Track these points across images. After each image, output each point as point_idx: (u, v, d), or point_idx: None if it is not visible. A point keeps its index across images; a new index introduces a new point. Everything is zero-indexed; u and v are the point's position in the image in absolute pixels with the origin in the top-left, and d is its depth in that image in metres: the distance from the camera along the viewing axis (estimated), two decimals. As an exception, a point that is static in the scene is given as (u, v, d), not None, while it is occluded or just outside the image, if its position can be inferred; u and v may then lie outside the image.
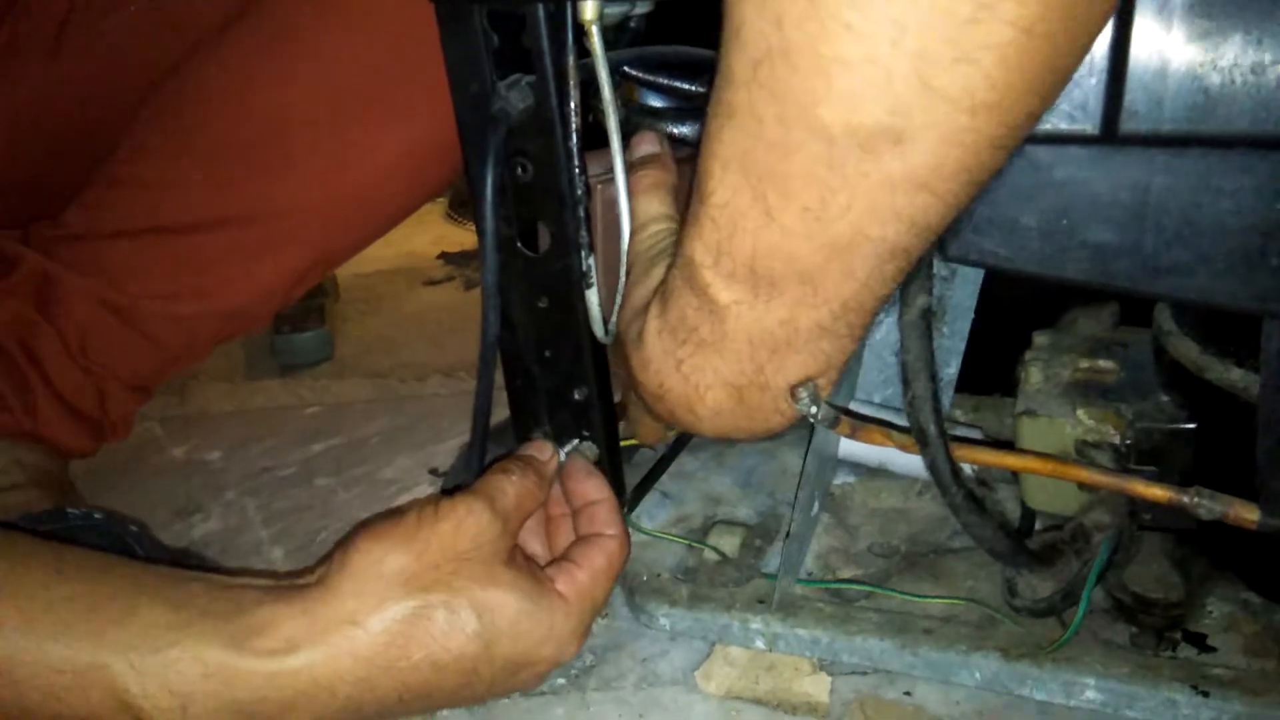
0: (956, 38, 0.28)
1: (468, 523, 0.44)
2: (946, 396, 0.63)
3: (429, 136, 0.62)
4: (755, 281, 0.37)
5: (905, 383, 0.42)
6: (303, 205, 0.65)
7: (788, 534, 0.51)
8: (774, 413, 0.41)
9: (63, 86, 0.64)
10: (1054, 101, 0.33)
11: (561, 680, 0.53)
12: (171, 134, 0.63)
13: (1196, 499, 0.41)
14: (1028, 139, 0.35)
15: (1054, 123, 0.35)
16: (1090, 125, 0.35)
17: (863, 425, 0.42)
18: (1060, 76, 0.32)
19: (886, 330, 0.61)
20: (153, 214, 0.64)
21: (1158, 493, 0.41)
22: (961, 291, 0.59)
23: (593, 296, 0.50)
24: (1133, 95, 0.35)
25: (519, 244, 0.51)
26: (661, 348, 0.42)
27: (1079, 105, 0.35)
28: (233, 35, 0.63)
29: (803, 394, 0.39)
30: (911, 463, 0.51)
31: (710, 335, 0.40)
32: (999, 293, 0.61)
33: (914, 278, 0.41)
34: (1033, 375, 0.52)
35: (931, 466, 0.43)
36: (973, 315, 0.59)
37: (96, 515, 0.56)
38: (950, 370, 0.61)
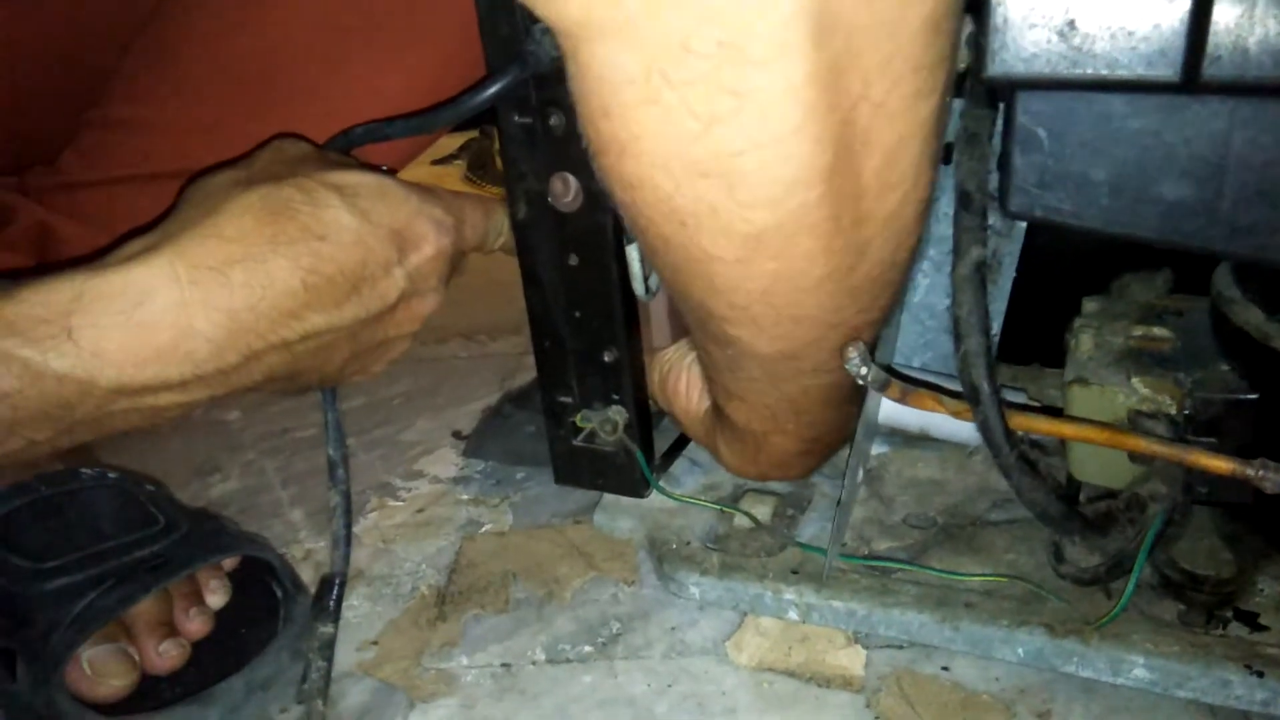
0: None
1: (282, 144, 0.45)
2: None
3: (435, 71, 0.60)
4: (758, 412, 0.47)
5: (957, 338, 0.39)
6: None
7: (839, 502, 0.49)
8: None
9: (49, 20, 0.62)
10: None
11: (588, 648, 0.51)
12: (165, 73, 0.61)
13: (1262, 471, 0.39)
14: (1103, 86, 0.33)
15: (1132, 69, 0.33)
16: (1170, 71, 0.33)
17: (912, 389, 0.40)
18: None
19: (924, 293, 0.59)
20: (150, 159, 0.62)
21: (1221, 465, 0.39)
22: (1006, 249, 0.57)
23: (634, 253, 0.48)
24: (1217, 39, 0.32)
25: (548, 200, 0.49)
26: (739, 459, 0.53)
27: (1158, 50, 0.33)
28: None
29: (853, 354, 0.37)
30: (956, 427, 0.49)
31: (759, 441, 0.50)
32: (1038, 257, 0.59)
33: (967, 229, 0.39)
34: (1083, 342, 0.49)
35: (983, 426, 0.41)
36: (1014, 273, 0.57)
37: (111, 475, 0.54)
38: (992, 331, 0.59)
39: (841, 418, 0.49)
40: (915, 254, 0.39)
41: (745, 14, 0.28)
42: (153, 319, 0.38)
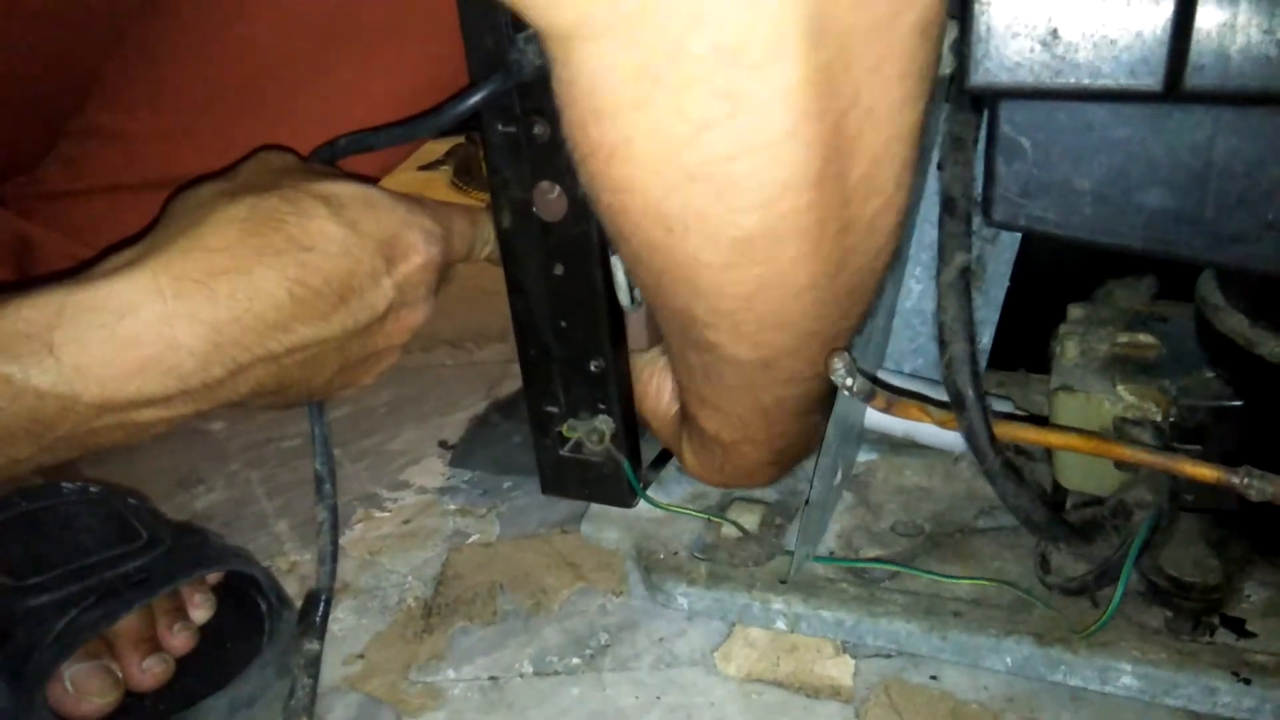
0: None
1: (267, 155, 0.45)
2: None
3: (419, 77, 0.60)
4: (729, 421, 0.47)
5: (942, 344, 0.40)
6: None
7: (806, 501, 0.49)
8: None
9: (27, 29, 0.61)
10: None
11: (576, 660, 0.51)
12: (147, 81, 0.60)
13: (1247, 479, 0.39)
14: (1085, 96, 0.33)
15: (1114, 78, 0.33)
16: (1153, 81, 0.33)
17: (898, 399, 0.40)
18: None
19: (917, 298, 0.58)
20: (131, 168, 0.61)
21: (1206, 473, 0.40)
22: (997, 258, 0.57)
23: (619, 262, 0.48)
24: (1199, 49, 0.33)
25: (533, 209, 0.49)
26: (704, 466, 0.53)
27: (1140, 60, 0.33)
28: None
29: (838, 365, 0.37)
30: (942, 434, 0.49)
31: (727, 450, 0.50)
32: (1025, 264, 0.59)
33: (952, 235, 0.39)
34: (1069, 349, 0.50)
35: (968, 432, 0.41)
36: (1008, 283, 0.57)
37: (93, 489, 0.54)
38: (984, 341, 0.59)
39: (810, 428, 0.49)
40: (892, 263, 0.39)
41: (741, 17, 0.28)
42: (135, 333, 0.37)
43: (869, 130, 0.32)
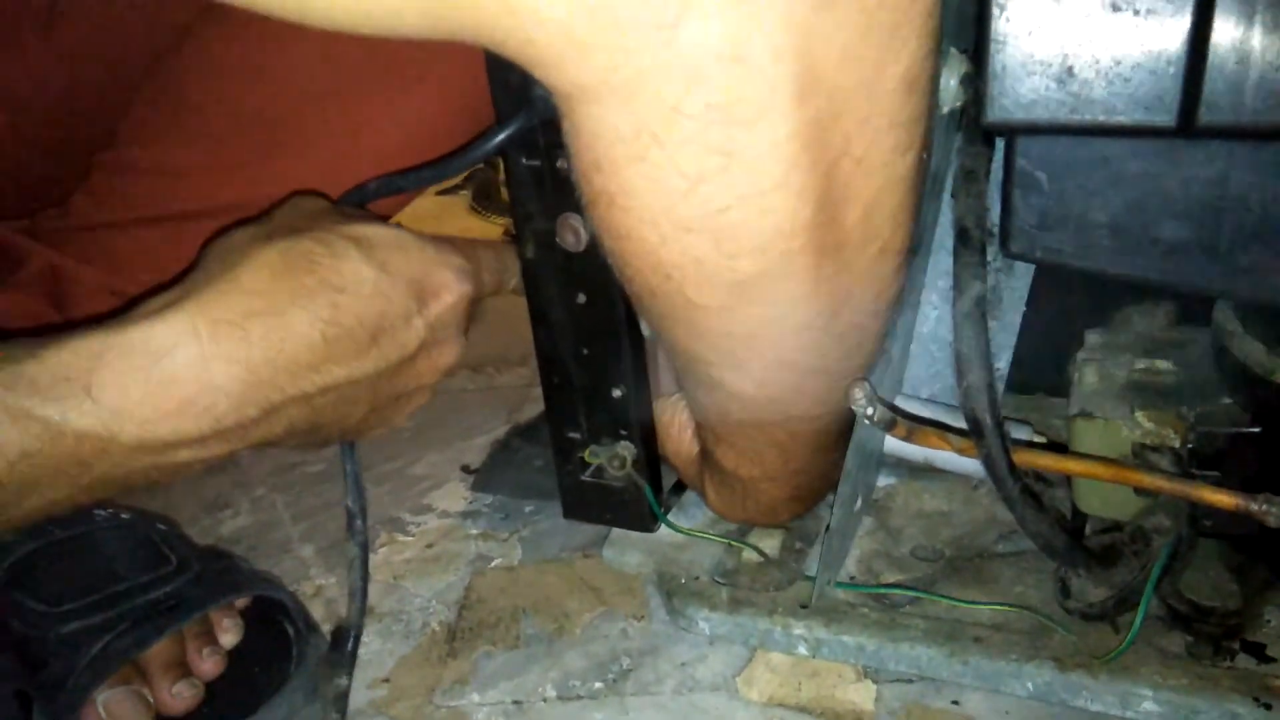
0: None
1: (299, 199, 0.46)
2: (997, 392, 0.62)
3: (447, 105, 0.61)
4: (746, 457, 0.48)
5: (959, 373, 0.40)
6: (315, 185, 0.63)
7: (827, 528, 0.49)
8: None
9: (59, 66, 0.62)
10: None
11: (599, 684, 0.52)
12: (176, 113, 0.62)
13: (1266, 506, 0.39)
14: (1101, 132, 0.34)
15: (1129, 114, 0.34)
16: (1167, 117, 0.34)
17: (918, 427, 0.41)
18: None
19: (934, 324, 0.59)
20: (160, 200, 0.62)
21: (1225, 499, 0.40)
22: (1012, 286, 0.57)
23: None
24: (1212, 85, 0.33)
25: (556, 240, 0.50)
26: (726, 503, 0.54)
27: (1155, 96, 0.34)
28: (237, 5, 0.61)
29: (858, 394, 0.38)
30: (960, 459, 0.49)
31: (747, 487, 0.51)
32: (1043, 290, 0.59)
33: (967, 265, 0.40)
34: (1087, 376, 0.50)
35: (987, 459, 0.41)
36: (1024, 308, 0.57)
37: (124, 515, 0.55)
38: (1000, 365, 0.60)
39: (828, 464, 0.49)
40: (896, 302, 0.40)
41: (732, 77, 0.29)
42: (173, 374, 0.38)
43: (860, 179, 0.33)
